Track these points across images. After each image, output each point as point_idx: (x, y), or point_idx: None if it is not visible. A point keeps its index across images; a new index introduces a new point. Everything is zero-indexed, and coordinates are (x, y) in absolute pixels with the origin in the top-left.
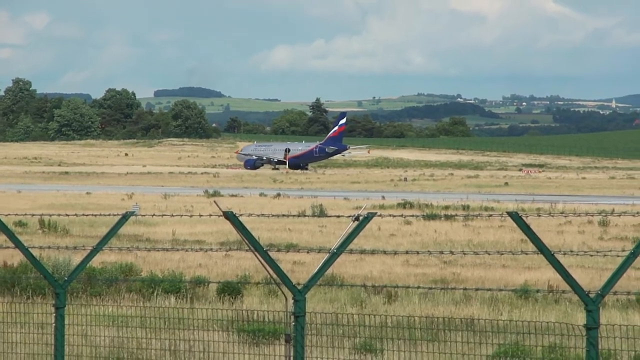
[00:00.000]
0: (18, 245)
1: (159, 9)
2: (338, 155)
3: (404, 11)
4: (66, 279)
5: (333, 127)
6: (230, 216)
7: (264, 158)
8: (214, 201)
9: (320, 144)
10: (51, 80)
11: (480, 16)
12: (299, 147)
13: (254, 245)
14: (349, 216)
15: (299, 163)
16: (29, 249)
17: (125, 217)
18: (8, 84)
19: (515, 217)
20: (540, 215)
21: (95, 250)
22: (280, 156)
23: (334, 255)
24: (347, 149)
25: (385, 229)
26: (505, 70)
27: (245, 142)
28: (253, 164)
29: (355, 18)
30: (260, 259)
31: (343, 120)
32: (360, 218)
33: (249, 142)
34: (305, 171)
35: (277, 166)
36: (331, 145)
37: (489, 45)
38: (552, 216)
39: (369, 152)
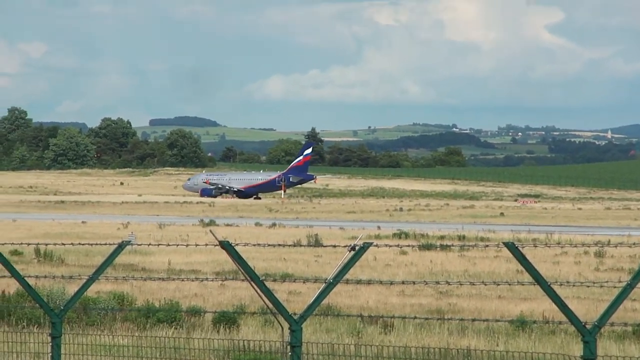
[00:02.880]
0: (14, 274)
1: (154, 39)
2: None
3: (399, 41)
4: (62, 308)
5: (297, 157)
6: (226, 246)
7: (221, 187)
8: (210, 230)
9: (282, 174)
10: (47, 109)
11: (476, 46)
12: (259, 177)
13: (250, 274)
14: (345, 246)
15: (255, 192)
16: (25, 278)
17: (121, 247)
18: (4, 113)
19: (512, 247)
20: (536, 246)
21: (91, 280)
22: (238, 185)
23: (330, 285)
24: (313, 179)
25: (381, 259)
26: (500, 101)
27: (240, 170)
28: (210, 193)
29: (350, 48)
30: (257, 288)
31: (309, 150)
32: (357, 248)
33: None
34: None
35: (234, 195)
36: (295, 175)
37: (484, 76)
38: (549, 247)
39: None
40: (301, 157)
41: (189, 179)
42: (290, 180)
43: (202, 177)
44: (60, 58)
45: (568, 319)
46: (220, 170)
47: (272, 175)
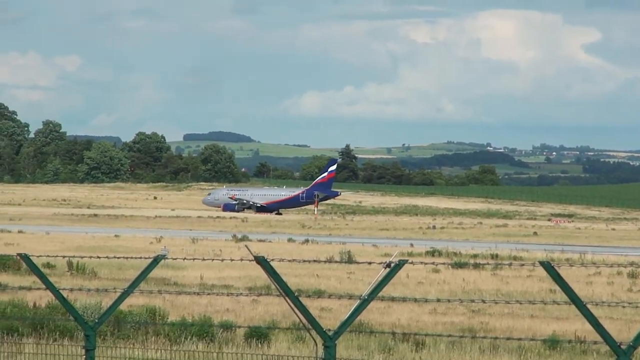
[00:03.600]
0: (49, 287)
1: (190, 53)
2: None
3: (435, 59)
4: (97, 321)
5: (322, 173)
6: (261, 261)
7: (246, 202)
8: (245, 246)
9: (306, 190)
10: (81, 122)
11: (512, 65)
12: (282, 193)
13: (285, 290)
14: (380, 263)
15: (277, 208)
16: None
17: (156, 261)
18: (38, 126)
19: (547, 266)
20: (572, 265)
21: (126, 293)
22: (260, 201)
23: (365, 302)
24: (338, 195)
25: (413, 276)
26: (535, 120)
27: (274, 186)
28: (233, 208)
29: (386, 65)
30: (291, 304)
31: (333, 167)
32: (392, 265)
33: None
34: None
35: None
36: (320, 191)
37: (519, 95)
38: (585, 266)
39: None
40: (325, 174)
41: (209, 194)
42: (314, 196)
43: (222, 192)
44: (95, 72)
45: (603, 338)
46: (254, 185)
47: (296, 191)
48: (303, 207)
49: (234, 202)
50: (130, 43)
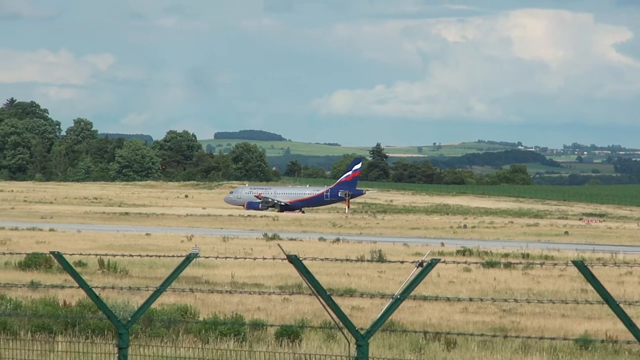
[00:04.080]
0: (82, 285)
1: (220, 52)
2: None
3: (466, 58)
4: (129, 319)
5: (346, 172)
6: (294, 260)
7: (270, 200)
8: (278, 244)
9: (330, 188)
10: (113, 120)
11: (543, 64)
12: (305, 191)
13: (317, 289)
14: (413, 262)
15: (300, 207)
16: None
17: (188, 259)
18: (70, 124)
19: (580, 266)
20: (605, 265)
21: (158, 292)
22: (284, 199)
23: (397, 301)
24: (362, 194)
25: (444, 275)
26: (566, 119)
27: (302, 185)
28: (257, 206)
29: (416, 64)
30: (323, 302)
31: (358, 166)
32: (424, 264)
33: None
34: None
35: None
36: (344, 189)
37: (550, 94)
38: (617, 266)
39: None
40: (350, 173)
41: (231, 192)
42: (339, 195)
43: (245, 190)
44: (127, 70)
45: (636, 338)
46: (282, 184)
47: (320, 189)
48: (334, 206)
49: (258, 200)
50: (162, 41)
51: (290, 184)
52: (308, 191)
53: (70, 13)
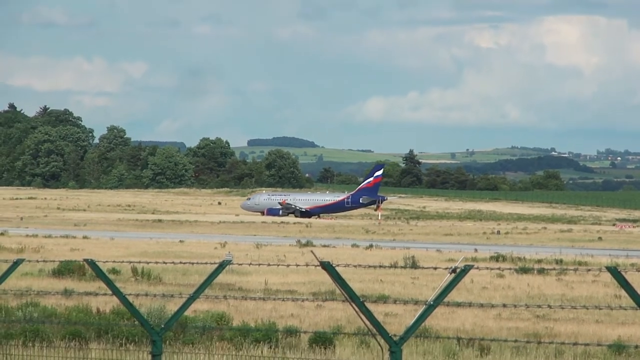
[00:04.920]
0: (115, 292)
1: (254, 59)
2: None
3: (499, 64)
4: (163, 326)
5: (367, 178)
6: (327, 266)
7: (290, 207)
8: (312, 251)
9: (352, 194)
10: (146, 128)
11: (576, 70)
12: (326, 197)
13: (351, 295)
14: (446, 268)
15: (319, 213)
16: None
17: (222, 266)
18: (103, 132)
19: (614, 271)
20: (638, 270)
21: (191, 299)
22: (303, 205)
23: (430, 307)
24: (384, 200)
25: (478, 281)
26: (600, 125)
27: (336, 191)
28: (277, 213)
29: (450, 70)
30: (356, 309)
31: (379, 172)
32: (457, 270)
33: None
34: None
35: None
36: (365, 196)
37: (584, 100)
38: None
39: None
40: (371, 179)
41: (248, 198)
42: (360, 201)
43: (263, 197)
44: (161, 78)
45: None
46: (319, 190)
47: (341, 196)
48: (367, 213)
49: (279, 207)
50: (195, 49)
51: (329, 189)
52: (328, 197)
53: (105, 20)
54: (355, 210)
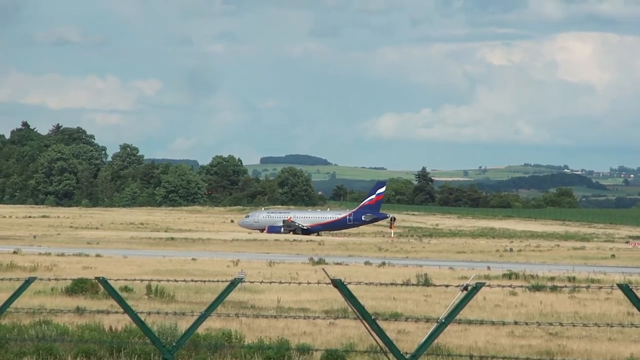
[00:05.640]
0: (127, 310)
1: (267, 77)
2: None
3: (512, 81)
4: (174, 344)
5: (369, 195)
6: (338, 284)
7: (290, 224)
8: (323, 269)
9: (354, 212)
10: (159, 146)
11: (589, 87)
12: (326, 215)
13: (362, 313)
14: (458, 286)
15: (320, 230)
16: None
17: (233, 284)
18: (116, 150)
19: (626, 289)
20: None
21: (203, 317)
22: (303, 223)
23: (442, 325)
24: (386, 218)
25: (490, 299)
26: (613, 142)
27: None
28: (278, 230)
29: (463, 87)
30: (368, 327)
31: (382, 189)
32: (469, 288)
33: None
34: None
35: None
36: (368, 213)
37: (597, 117)
38: None
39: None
40: (373, 196)
41: (247, 216)
42: (362, 219)
43: (262, 214)
44: (173, 96)
45: None
46: (332, 208)
47: (342, 213)
48: (380, 230)
49: (280, 225)
50: (208, 67)
51: (342, 207)
52: (329, 215)
53: (118, 39)
54: (367, 228)
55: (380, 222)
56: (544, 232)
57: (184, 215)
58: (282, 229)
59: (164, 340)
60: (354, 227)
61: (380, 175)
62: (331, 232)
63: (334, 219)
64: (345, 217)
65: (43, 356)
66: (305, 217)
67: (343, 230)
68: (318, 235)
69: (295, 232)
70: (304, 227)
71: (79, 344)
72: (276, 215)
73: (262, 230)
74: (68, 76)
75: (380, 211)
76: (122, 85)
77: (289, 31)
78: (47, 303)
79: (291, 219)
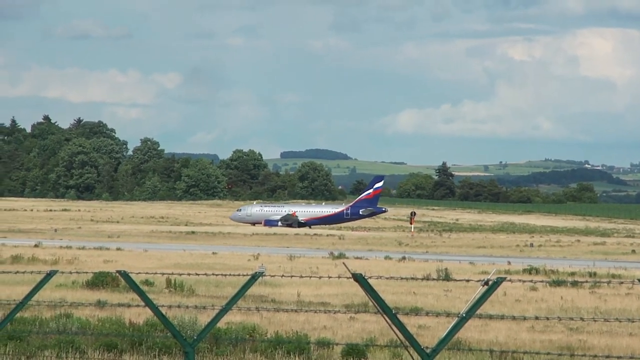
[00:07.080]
0: (148, 304)
1: (287, 71)
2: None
3: (533, 77)
4: (195, 338)
5: (366, 189)
6: (359, 278)
7: (288, 218)
8: (344, 263)
9: (350, 206)
10: (179, 140)
11: (610, 83)
12: (323, 209)
13: (383, 307)
14: (479, 280)
15: (316, 224)
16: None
17: (254, 278)
18: (136, 144)
19: None
20: None
21: (224, 310)
22: (300, 217)
23: (463, 319)
24: (384, 212)
25: (511, 294)
26: (633, 137)
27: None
28: (275, 224)
29: (483, 83)
30: (389, 321)
31: (379, 184)
32: (490, 282)
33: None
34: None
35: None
36: (366, 207)
37: (617, 112)
38: None
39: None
40: (371, 190)
41: (238, 210)
42: (360, 212)
43: (255, 208)
44: (194, 90)
45: None
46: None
47: (339, 207)
48: (400, 225)
49: (276, 218)
50: (229, 60)
51: (312, 202)
52: (326, 209)
53: (139, 32)
54: (388, 222)
55: (400, 217)
56: (564, 227)
57: (204, 209)
58: (279, 222)
59: (184, 334)
60: (351, 221)
61: (400, 170)
62: (331, 225)
63: (332, 212)
64: (342, 211)
65: (64, 349)
66: (301, 211)
67: (361, 225)
68: (310, 228)
69: (291, 226)
70: (301, 221)
71: (100, 337)
72: (268, 209)
73: (253, 224)
74: (89, 70)
75: (392, 206)
76: (142, 79)
77: (309, 25)
78: (68, 296)
79: (295, 213)
